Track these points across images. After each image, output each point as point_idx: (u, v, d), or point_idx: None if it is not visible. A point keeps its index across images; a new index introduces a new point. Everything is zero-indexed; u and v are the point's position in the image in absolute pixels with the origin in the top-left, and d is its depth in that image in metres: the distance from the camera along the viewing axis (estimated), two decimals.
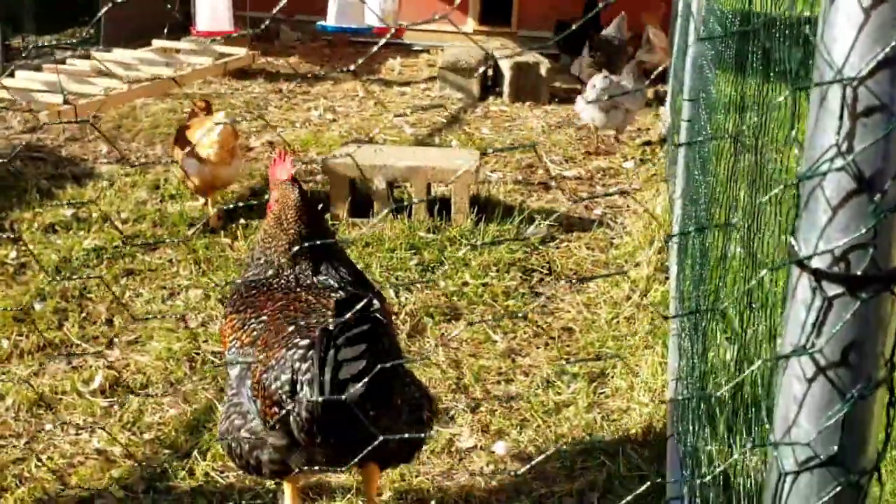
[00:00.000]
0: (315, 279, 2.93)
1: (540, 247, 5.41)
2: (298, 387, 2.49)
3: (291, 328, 2.68)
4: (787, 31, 1.54)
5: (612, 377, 4.03)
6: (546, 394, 3.90)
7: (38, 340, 4.20)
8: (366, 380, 2.31)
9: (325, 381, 2.36)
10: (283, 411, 2.52)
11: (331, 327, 2.36)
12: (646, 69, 8.46)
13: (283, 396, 2.53)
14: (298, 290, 2.89)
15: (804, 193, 0.98)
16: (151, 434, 3.59)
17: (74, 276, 4.78)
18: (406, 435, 2.61)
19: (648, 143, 7.81)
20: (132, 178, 6.32)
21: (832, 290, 0.97)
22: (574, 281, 5.02)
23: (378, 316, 2.37)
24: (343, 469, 2.92)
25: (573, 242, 5.56)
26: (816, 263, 0.97)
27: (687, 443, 2.83)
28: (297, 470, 2.68)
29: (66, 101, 7.77)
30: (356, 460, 2.42)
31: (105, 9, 2.09)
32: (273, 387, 2.55)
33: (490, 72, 10.02)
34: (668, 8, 10.12)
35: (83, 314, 4.49)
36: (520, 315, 4.53)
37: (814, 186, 0.96)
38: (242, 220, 5.56)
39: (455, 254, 5.24)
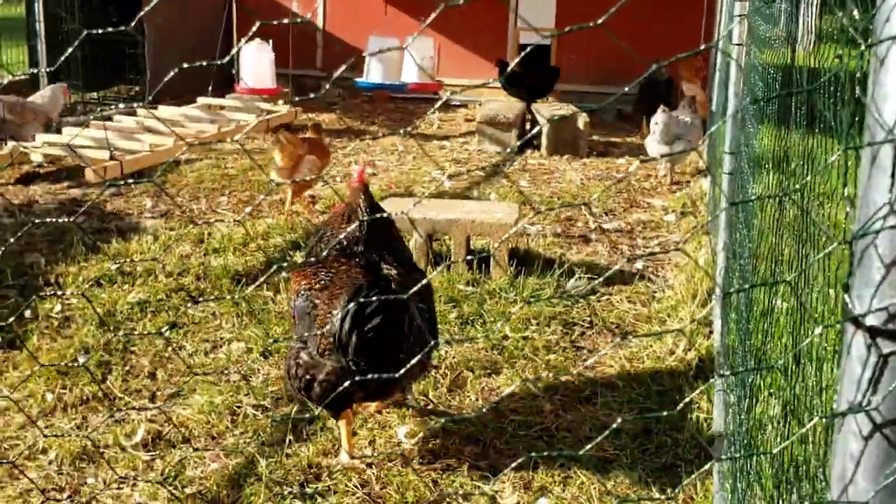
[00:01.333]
0: (370, 255, 3.78)
1: (581, 300, 5.38)
2: (343, 322, 3.33)
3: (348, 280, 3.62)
4: (833, 89, 1.54)
5: (657, 433, 3.97)
6: (590, 450, 3.85)
7: (82, 394, 4.25)
8: (378, 318, 3.29)
9: (350, 316, 3.29)
10: (333, 338, 3.37)
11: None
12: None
13: (335, 328, 3.35)
14: (356, 259, 3.78)
15: (857, 251, 0.97)
16: (193, 488, 3.59)
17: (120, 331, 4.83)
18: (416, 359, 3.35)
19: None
20: (176, 232, 6.43)
21: (887, 347, 0.96)
22: (623, 336, 4.98)
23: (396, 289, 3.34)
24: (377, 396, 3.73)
25: (615, 296, 5.53)
26: (871, 321, 0.97)
27: (735, 500, 2.78)
28: (343, 399, 3.45)
29: (112, 157, 7.95)
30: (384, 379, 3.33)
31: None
32: (330, 321, 3.38)
33: (528, 125, 10.10)
34: (706, 64, 10.17)
35: (126, 367, 4.53)
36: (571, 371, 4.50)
37: (867, 244, 0.95)
38: (284, 274, 5.61)
39: (495, 307, 5.24)
